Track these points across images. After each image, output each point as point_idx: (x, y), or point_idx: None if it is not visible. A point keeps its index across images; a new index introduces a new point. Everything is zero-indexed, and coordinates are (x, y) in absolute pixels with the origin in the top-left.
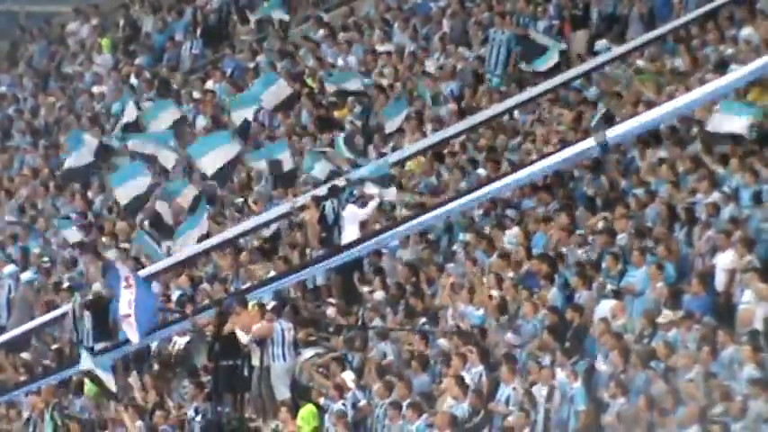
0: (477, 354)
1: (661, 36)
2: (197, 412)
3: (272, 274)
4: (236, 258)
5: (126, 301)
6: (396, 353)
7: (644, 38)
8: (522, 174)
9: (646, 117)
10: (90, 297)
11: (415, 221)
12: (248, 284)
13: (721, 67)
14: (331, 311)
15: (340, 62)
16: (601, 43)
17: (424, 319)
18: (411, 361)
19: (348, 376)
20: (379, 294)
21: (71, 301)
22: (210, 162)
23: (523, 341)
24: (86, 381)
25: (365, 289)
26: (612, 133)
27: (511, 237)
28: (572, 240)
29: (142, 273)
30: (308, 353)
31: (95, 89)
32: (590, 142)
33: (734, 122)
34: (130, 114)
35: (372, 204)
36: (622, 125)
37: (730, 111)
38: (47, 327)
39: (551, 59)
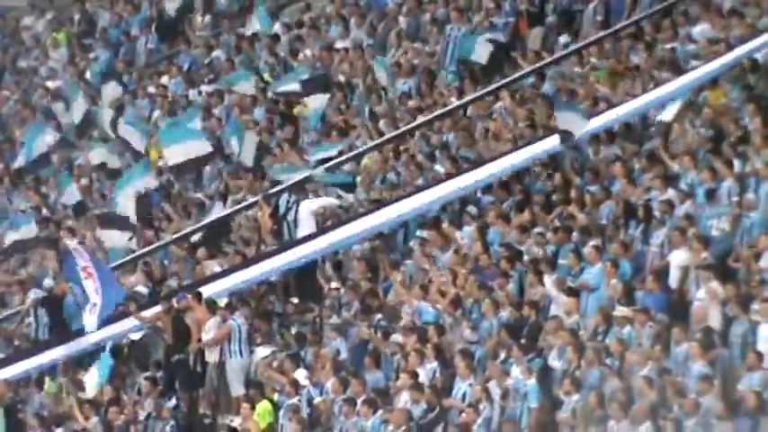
0: (432, 350)
1: (616, 33)
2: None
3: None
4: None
5: (92, 290)
6: (349, 348)
7: (599, 35)
8: (480, 174)
9: (604, 116)
10: (45, 293)
11: (370, 219)
12: (201, 280)
13: (674, 64)
14: (289, 308)
15: (301, 57)
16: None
17: (379, 315)
18: (365, 356)
19: (300, 374)
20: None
21: (27, 296)
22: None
23: (480, 338)
24: (47, 378)
25: (332, 285)
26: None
27: (467, 233)
28: (528, 237)
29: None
30: (263, 351)
31: (50, 84)
32: (552, 140)
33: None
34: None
35: (325, 198)
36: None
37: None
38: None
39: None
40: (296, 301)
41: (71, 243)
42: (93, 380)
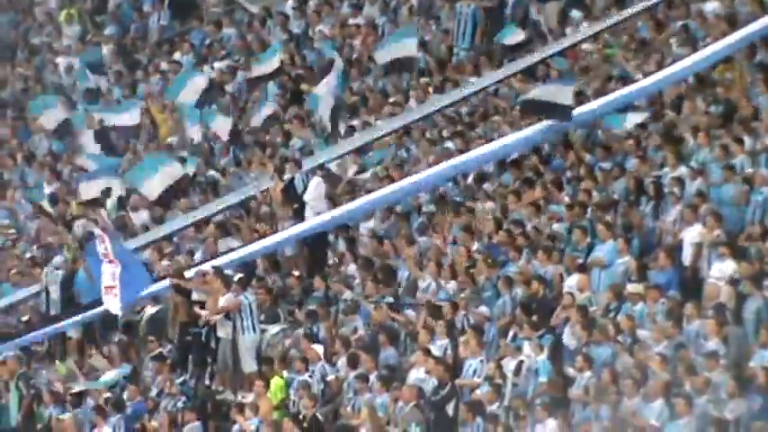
0: (444, 327)
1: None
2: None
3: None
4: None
5: (109, 274)
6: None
7: (614, 13)
8: (492, 147)
9: (617, 93)
10: (60, 270)
11: (381, 194)
12: (215, 255)
13: (689, 41)
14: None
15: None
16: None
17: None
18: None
19: (319, 348)
20: (351, 267)
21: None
22: (152, 187)
23: (494, 314)
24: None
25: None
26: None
27: (484, 210)
28: (542, 214)
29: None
30: (273, 329)
31: (62, 60)
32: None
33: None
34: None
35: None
36: (594, 102)
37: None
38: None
39: (516, 35)
40: (297, 273)
41: (96, 229)
42: (108, 377)
